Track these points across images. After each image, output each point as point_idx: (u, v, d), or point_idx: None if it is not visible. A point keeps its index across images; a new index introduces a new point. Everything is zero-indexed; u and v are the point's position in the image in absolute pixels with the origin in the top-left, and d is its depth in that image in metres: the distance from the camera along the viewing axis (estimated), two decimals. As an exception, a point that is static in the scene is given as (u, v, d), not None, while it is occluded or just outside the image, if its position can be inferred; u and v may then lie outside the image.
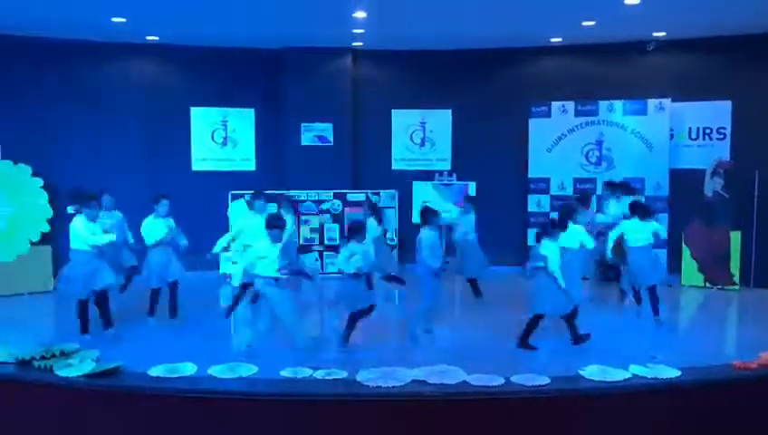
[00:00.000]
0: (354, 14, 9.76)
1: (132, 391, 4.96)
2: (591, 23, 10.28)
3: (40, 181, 10.68)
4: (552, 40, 11.73)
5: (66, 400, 5.07)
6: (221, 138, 12.45)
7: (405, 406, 4.75)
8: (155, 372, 5.13)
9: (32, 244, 10.54)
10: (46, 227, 10.68)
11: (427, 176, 12.70)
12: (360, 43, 12.02)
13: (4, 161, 10.58)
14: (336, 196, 11.88)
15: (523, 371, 5.06)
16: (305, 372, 5.20)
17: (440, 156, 12.92)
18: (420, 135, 12.97)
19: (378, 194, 11.96)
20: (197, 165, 12.35)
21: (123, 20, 9.94)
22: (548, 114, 11.82)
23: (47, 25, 10.39)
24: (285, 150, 12.42)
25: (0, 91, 10.92)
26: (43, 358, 5.43)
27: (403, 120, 12.95)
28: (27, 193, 10.61)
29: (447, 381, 4.87)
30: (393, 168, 12.96)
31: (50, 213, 10.71)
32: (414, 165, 12.96)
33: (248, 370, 5.23)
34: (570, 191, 11.66)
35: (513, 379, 4.92)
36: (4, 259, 10.25)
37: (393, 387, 4.77)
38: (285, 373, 5.17)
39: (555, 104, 11.79)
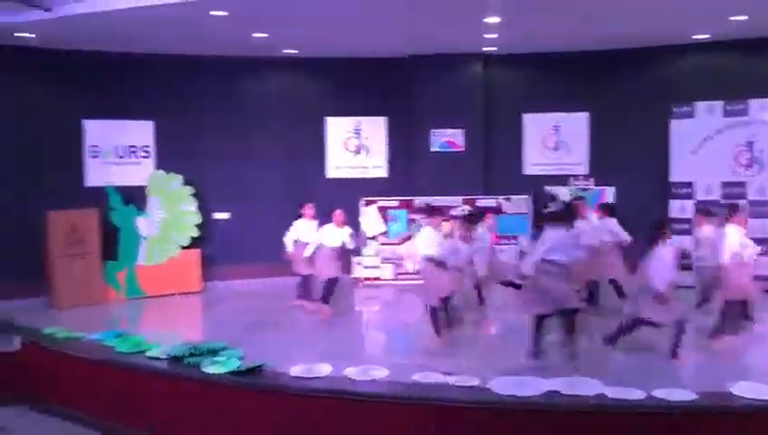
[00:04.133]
0: (486, 20, 9.70)
1: (274, 389, 5.21)
2: (743, 17, 9.62)
3: (190, 190, 11.46)
4: (695, 37, 11.09)
5: (212, 395, 5.40)
6: (354, 146, 12.79)
7: (538, 416, 4.67)
8: (295, 371, 5.37)
9: (182, 248, 11.31)
10: (196, 233, 11.43)
11: (561, 181, 12.36)
12: (493, 48, 11.90)
13: (159, 171, 11.44)
14: (465, 201, 11.84)
15: (662, 385, 4.84)
16: (436, 377, 5.24)
17: (576, 160, 12.54)
18: (554, 139, 12.66)
19: (509, 199, 11.84)
20: (332, 172, 12.75)
21: (265, 35, 10.45)
22: (691, 115, 11.17)
23: (193, 45, 11.10)
24: (416, 157, 12.53)
25: (156, 107, 11.75)
26: (192, 355, 5.82)
27: (535, 125, 12.70)
28: (179, 201, 11.40)
29: (583, 393, 4.74)
30: (525, 172, 12.72)
31: (199, 219, 11.46)
32: (548, 169, 12.66)
33: (380, 373, 5.35)
34: (717, 196, 10.95)
35: (656, 393, 4.71)
36: (157, 261, 11.06)
37: (527, 396, 4.70)
38: (417, 377, 5.24)
39: (700, 104, 11.10)
